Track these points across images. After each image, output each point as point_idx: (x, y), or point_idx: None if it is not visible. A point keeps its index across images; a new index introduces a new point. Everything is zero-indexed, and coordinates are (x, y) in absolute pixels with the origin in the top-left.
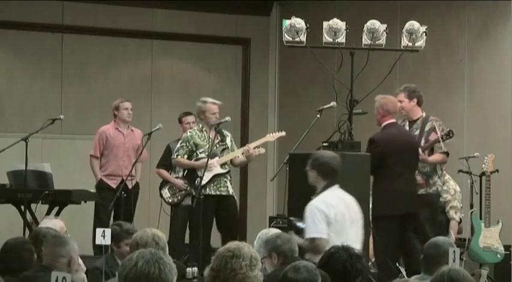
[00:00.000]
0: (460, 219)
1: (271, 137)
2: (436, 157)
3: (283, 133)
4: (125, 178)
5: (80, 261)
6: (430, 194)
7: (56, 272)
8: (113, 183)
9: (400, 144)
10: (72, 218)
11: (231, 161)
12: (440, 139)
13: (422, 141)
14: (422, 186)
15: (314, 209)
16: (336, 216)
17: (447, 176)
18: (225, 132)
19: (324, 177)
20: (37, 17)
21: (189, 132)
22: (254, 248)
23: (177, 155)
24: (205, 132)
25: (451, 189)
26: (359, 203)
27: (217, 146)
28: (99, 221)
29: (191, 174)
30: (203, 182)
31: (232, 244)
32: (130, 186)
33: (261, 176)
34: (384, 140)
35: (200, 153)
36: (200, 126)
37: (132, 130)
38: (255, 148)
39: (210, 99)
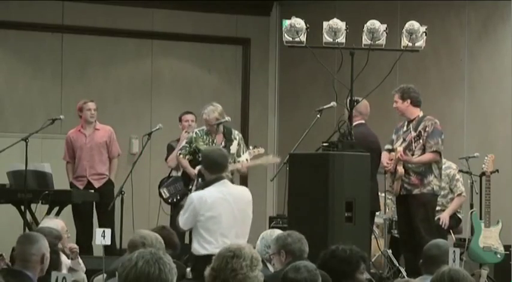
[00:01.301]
0: (460, 219)
1: (266, 160)
2: (424, 157)
3: (278, 160)
4: (90, 178)
5: (80, 260)
6: (425, 194)
7: (56, 272)
8: (80, 184)
9: (368, 143)
10: (72, 218)
11: None
12: (412, 140)
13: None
14: (417, 186)
15: (189, 202)
16: (208, 216)
17: (444, 160)
18: (233, 136)
19: (209, 171)
20: (37, 17)
21: (195, 133)
22: (257, 247)
23: (179, 154)
24: (210, 136)
25: (452, 164)
26: (359, 203)
27: None
28: (79, 225)
29: (187, 176)
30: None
31: (233, 244)
32: (97, 185)
33: (261, 176)
34: (356, 138)
35: (198, 156)
36: (206, 129)
37: (98, 129)
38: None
39: (209, 109)
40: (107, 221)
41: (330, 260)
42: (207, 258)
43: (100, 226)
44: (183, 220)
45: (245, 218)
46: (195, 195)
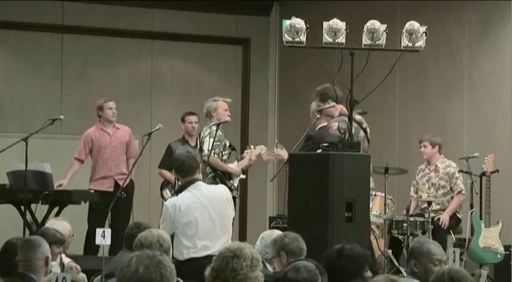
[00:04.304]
0: (460, 219)
1: (260, 149)
2: None
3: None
4: (116, 178)
5: (79, 268)
6: None
7: (56, 272)
8: (108, 187)
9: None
10: (72, 218)
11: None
12: None
13: None
14: None
15: (164, 211)
16: (184, 222)
17: (444, 158)
18: None
19: (180, 175)
20: (37, 17)
21: (220, 131)
22: (256, 248)
23: (213, 154)
24: (222, 132)
25: (452, 163)
26: (359, 203)
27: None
28: (94, 226)
29: (226, 174)
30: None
31: (234, 244)
32: (123, 185)
33: (261, 176)
34: (321, 138)
35: (225, 154)
36: (217, 125)
37: (118, 128)
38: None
39: (220, 98)
40: (121, 221)
41: (337, 260)
42: (186, 262)
43: (113, 227)
44: (162, 228)
45: (223, 218)
46: (169, 203)
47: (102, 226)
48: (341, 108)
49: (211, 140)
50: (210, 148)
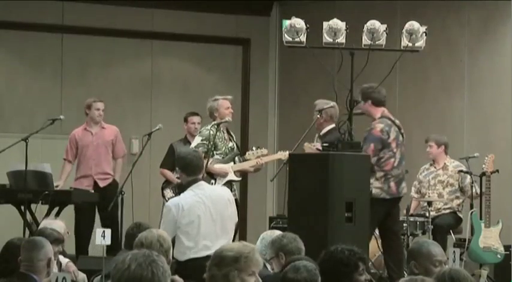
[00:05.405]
0: (460, 219)
1: (283, 155)
2: None
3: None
4: (95, 177)
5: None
6: None
7: (56, 272)
8: (87, 185)
9: None
10: (72, 218)
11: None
12: None
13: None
14: None
15: (166, 210)
16: (187, 222)
17: (452, 159)
18: (232, 134)
19: (186, 173)
20: (37, 17)
21: (211, 130)
22: (256, 248)
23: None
24: (222, 133)
25: (460, 163)
26: (359, 203)
27: (231, 149)
28: (79, 226)
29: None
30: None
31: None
32: (102, 185)
33: (261, 176)
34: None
35: (216, 154)
36: (216, 125)
37: (104, 127)
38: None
39: (220, 96)
40: (110, 221)
41: (327, 261)
42: (187, 263)
43: (103, 227)
44: (163, 229)
45: (224, 219)
46: (171, 203)
47: (89, 226)
48: (383, 110)
49: (199, 138)
50: (195, 145)
